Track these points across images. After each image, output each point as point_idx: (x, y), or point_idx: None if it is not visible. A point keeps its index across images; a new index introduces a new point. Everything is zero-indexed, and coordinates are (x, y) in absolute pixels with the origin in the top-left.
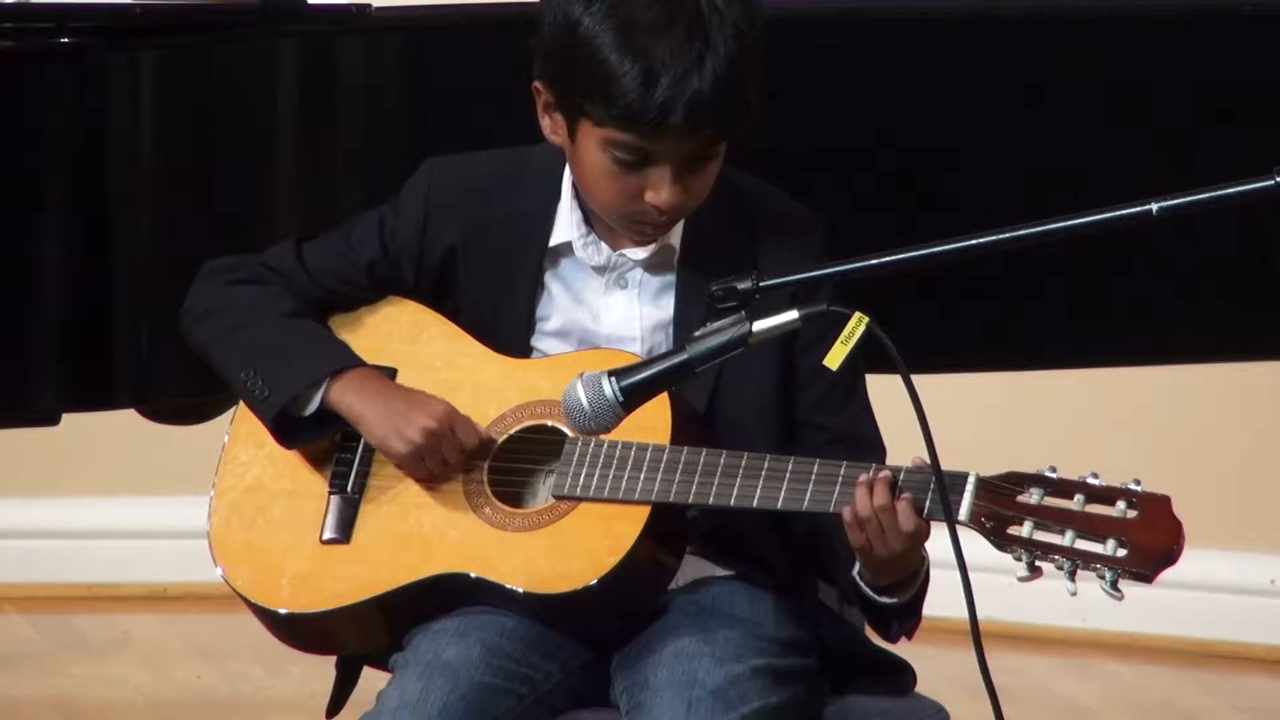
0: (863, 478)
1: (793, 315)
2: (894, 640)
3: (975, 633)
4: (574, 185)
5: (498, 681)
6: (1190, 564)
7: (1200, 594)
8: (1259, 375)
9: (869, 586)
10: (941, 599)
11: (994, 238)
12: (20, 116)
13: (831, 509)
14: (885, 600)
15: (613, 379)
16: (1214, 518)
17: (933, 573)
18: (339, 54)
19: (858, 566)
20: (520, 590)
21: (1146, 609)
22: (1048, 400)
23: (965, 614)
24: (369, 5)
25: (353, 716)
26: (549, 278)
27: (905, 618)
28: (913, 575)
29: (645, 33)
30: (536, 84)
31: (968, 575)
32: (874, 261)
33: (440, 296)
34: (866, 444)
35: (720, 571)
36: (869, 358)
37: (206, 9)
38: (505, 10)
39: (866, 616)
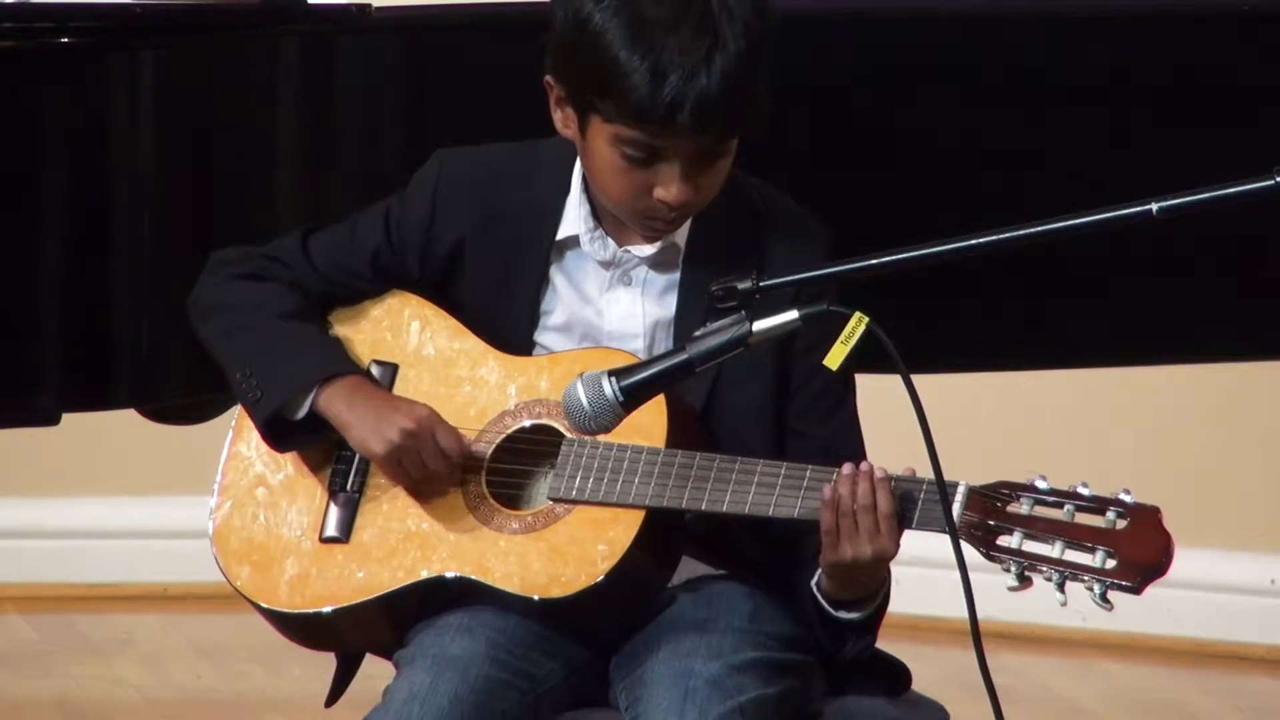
0: (846, 466)
1: (793, 315)
2: (847, 660)
3: (975, 633)
4: (584, 179)
5: (503, 676)
6: (1190, 564)
7: (1200, 594)
8: (1259, 375)
9: (826, 600)
10: (941, 599)
11: (994, 238)
12: (20, 116)
13: None
14: (842, 615)
15: (613, 379)
16: (1214, 518)
17: (932, 573)
18: (339, 54)
19: (817, 576)
20: (516, 594)
21: (1146, 609)
22: (1046, 400)
23: (965, 614)
24: (369, 5)
25: (351, 712)
26: (554, 271)
27: (860, 636)
28: (872, 594)
29: (654, 29)
30: (548, 78)
31: (967, 575)
32: (874, 261)
33: (445, 288)
34: (848, 460)
35: (714, 571)
36: (869, 358)
37: (206, 9)
38: (506, 10)
39: (823, 633)
